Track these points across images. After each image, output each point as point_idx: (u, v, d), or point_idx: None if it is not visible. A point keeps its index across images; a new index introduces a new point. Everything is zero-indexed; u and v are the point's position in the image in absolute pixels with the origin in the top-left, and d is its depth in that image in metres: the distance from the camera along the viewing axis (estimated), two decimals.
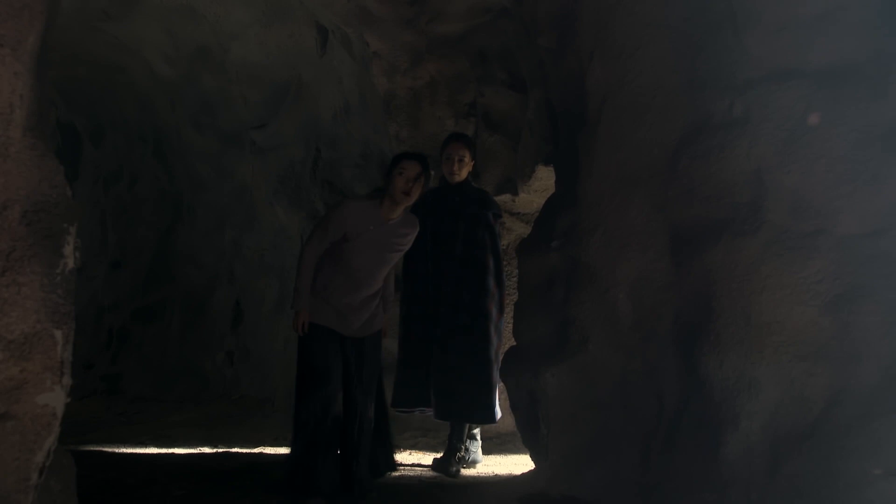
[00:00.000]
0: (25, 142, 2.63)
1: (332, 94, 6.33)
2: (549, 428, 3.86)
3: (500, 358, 4.60)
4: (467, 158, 4.78)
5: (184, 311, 8.24)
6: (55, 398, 2.57)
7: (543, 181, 5.33)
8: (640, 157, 3.75)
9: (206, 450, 5.32)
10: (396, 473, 4.41)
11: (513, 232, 5.61)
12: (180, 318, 8.25)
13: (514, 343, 4.46)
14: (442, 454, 4.76)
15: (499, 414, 4.62)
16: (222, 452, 5.25)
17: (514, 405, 4.32)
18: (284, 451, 5.14)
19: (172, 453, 5.21)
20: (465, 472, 4.68)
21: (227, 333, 7.92)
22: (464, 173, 4.79)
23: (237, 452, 5.24)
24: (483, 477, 4.61)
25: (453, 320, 4.62)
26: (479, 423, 4.73)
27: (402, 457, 5.03)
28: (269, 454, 5.24)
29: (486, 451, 5.08)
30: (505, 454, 5.23)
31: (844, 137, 3.26)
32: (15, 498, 2.50)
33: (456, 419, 4.66)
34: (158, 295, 8.45)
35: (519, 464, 4.88)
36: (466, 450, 4.73)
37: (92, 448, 5.15)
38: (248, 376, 7.61)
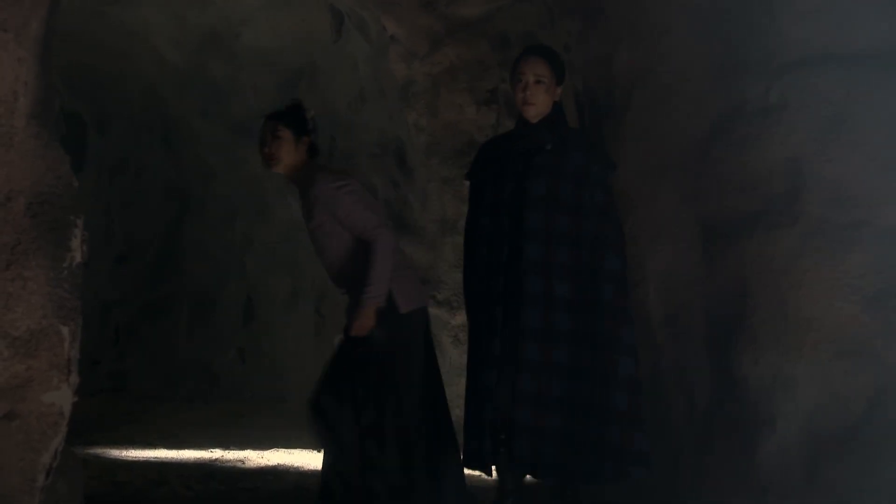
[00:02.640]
0: (30, 131, 2.61)
1: (347, 81, 6.23)
2: None
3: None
4: (548, 80, 3.28)
5: (193, 306, 8.17)
6: (62, 397, 2.53)
7: None
8: (669, 145, 3.63)
9: (217, 451, 5.25)
10: None
11: None
12: (189, 313, 8.18)
13: None
14: None
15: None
16: (233, 454, 5.18)
17: None
18: (298, 452, 5.07)
19: (182, 454, 5.14)
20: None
21: (238, 330, 7.86)
22: (545, 102, 3.28)
23: (249, 454, 5.17)
24: None
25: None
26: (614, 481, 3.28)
27: None
28: (283, 456, 5.15)
29: None
30: None
31: (888, 124, 3.13)
32: (20, 499, 2.46)
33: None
34: (166, 290, 8.37)
35: None
36: None
37: (99, 449, 5.08)
38: (260, 375, 7.53)
